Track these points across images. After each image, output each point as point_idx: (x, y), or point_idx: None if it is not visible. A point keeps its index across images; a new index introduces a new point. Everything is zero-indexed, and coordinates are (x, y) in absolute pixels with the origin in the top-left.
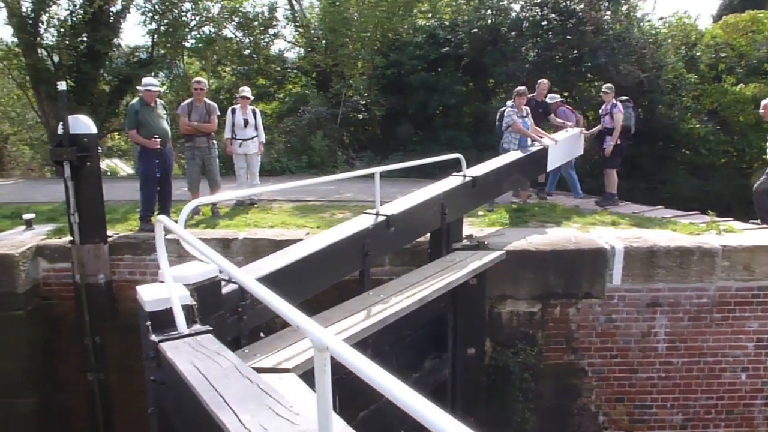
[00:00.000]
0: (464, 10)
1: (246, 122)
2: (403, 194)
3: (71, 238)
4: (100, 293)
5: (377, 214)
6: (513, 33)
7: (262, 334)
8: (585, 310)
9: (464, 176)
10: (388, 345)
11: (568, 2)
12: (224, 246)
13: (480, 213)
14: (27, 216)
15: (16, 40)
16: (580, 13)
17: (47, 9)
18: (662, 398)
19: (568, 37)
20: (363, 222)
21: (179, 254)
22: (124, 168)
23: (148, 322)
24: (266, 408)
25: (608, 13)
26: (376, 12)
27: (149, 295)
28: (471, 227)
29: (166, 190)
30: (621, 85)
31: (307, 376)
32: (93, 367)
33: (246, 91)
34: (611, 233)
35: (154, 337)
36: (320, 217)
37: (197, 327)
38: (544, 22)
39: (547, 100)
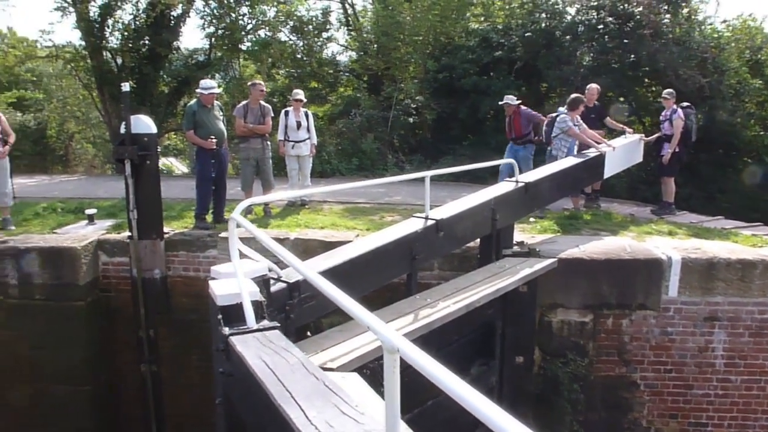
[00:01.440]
0: (518, 13)
1: (299, 124)
2: (453, 198)
3: (130, 234)
4: (156, 288)
5: (426, 218)
6: (568, 37)
7: (309, 333)
8: (639, 321)
9: (517, 182)
10: (435, 349)
11: (626, 5)
12: None
13: (531, 219)
14: (89, 211)
15: (83, 43)
16: (639, 16)
17: (113, 14)
18: (719, 417)
19: (625, 41)
20: (412, 225)
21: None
22: (179, 167)
23: (219, 316)
24: (332, 406)
25: (668, 16)
26: (428, 15)
27: (221, 290)
28: (522, 234)
29: (221, 189)
30: (681, 91)
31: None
32: (147, 359)
33: (300, 94)
34: (668, 243)
35: (224, 331)
36: (370, 219)
37: (265, 323)
38: (600, 26)
39: (506, 100)
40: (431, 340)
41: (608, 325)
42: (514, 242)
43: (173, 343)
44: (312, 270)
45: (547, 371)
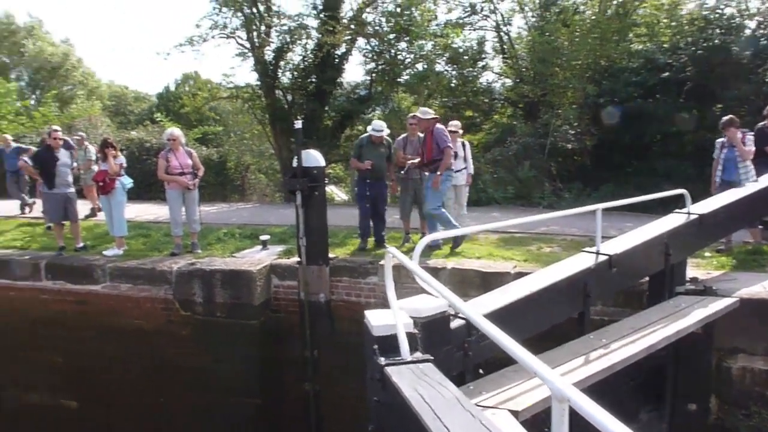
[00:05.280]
0: (687, 31)
1: (456, 155)
2: (615, 229)
3: (299, 259)
4: (320, 310)
5: (598, 253)
6: (747, 53)
7: (481, 371)
8: None
9: (689, 213)
10: (605, 393)
11: None
12: (433, 275)
13: (707, 254)
14: (263, 237)
15: (259, 83)
16: None
17: (285, 56)
18: None
19: None
20: (584, 261)
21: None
22: (339, 194)
23: (375, 346)
24: None
25: None
26: (588, 39)
27: (377, 321)
28: (695, 269)
29: (380, 217)
30: None
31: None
32: (310, 378)
33: (457, 125)
34: None
35: (380, 360)
36: (527, 249)
37: (418, 355)
38: None
39: (419, 113)
40: (604, 383)
41: None
42: (687, 278)
43: (334, 364)
44: (476, 311)
45: (726, 422)
